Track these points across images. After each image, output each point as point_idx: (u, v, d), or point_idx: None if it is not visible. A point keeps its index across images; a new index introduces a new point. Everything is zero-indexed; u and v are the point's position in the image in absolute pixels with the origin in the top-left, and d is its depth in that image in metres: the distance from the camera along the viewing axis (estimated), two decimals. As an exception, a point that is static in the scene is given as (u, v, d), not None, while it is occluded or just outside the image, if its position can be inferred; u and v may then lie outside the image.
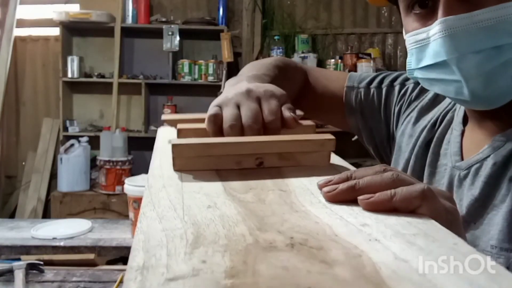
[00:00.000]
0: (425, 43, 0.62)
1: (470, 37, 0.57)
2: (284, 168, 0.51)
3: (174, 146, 0.49)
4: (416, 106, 0.81)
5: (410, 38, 0.65)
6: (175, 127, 0.61)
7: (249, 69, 0.77)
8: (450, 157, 0.70)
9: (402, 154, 0.79)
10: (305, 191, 0.43)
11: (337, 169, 0.51)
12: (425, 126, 0.77)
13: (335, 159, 0.55)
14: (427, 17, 0.61)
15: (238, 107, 0.58)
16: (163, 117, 0.66)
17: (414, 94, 0.83)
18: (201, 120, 0.62)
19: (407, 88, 0.84)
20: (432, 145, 0.74)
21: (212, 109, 0.58)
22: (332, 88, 0.91)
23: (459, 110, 0.73)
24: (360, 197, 0.39)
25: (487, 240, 0.60)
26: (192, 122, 0.62)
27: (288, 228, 0.34)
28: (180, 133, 0.55)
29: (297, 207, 0.39)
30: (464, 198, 0.65)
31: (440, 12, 0.59)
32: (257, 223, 0.35)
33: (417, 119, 0.79)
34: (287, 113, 0.58)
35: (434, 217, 0.38)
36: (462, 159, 0.68)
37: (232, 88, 0.62)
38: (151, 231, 0.33)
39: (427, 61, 0.62)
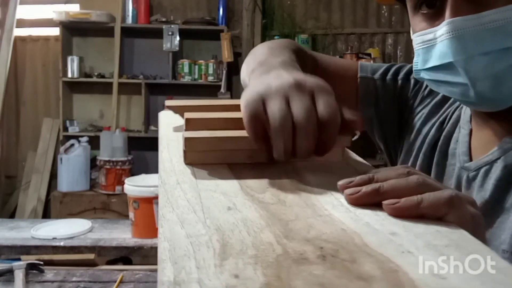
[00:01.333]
0: (432, 44, 0.61)
1: (477, 38, 0.56)
2: (298, 163, 0.49)
3: (187, 140, 0.47)
4: (428, 103, 0.79)
5: (417, 38, 0.64)
6: (180, 113, 0.59)
7: (270, 53, 0.66)
8: (458, 157, 0.68)
9: (411, 152, 0.78)
10: (325, 191, 0.42)
11: (352, 165, 0.50)
12: (434, 124, 0.75)
13: (348, 153, 0.54)
14: (435, 17, 0.60)
15: (286, 100, 0.45)
16: (167, 103, 0.64)
17: (427, 90, 0.80)
18: (206, 108, 0.60)
19: (422, 83, 0.81)
20: (439, 144, 0.73)
21: (252, 103, 0.46)
22: (344, 77, 0.86)
23: (466, 108, 0.71)
24: (385, 202, 0.38)
25: (498, 244, 0.59)
26: (197, 110, 0.60)
27: (315, 236, 0.33)
28: (189, 123, 0.52)
29: (319, 210, 0.38)
30: None
31: (447, 12, 0.57)
32: (282, 229, 0.34)
33: (428, 116, 0.78)
34: (349, 115, 0.47)
35: (461, 224, 0.37)
36: (470, 159, 0.67)
37: (271, 77, 0.50)
38: (175, 238, 0.32)
39: (433, 62, 0.61)
